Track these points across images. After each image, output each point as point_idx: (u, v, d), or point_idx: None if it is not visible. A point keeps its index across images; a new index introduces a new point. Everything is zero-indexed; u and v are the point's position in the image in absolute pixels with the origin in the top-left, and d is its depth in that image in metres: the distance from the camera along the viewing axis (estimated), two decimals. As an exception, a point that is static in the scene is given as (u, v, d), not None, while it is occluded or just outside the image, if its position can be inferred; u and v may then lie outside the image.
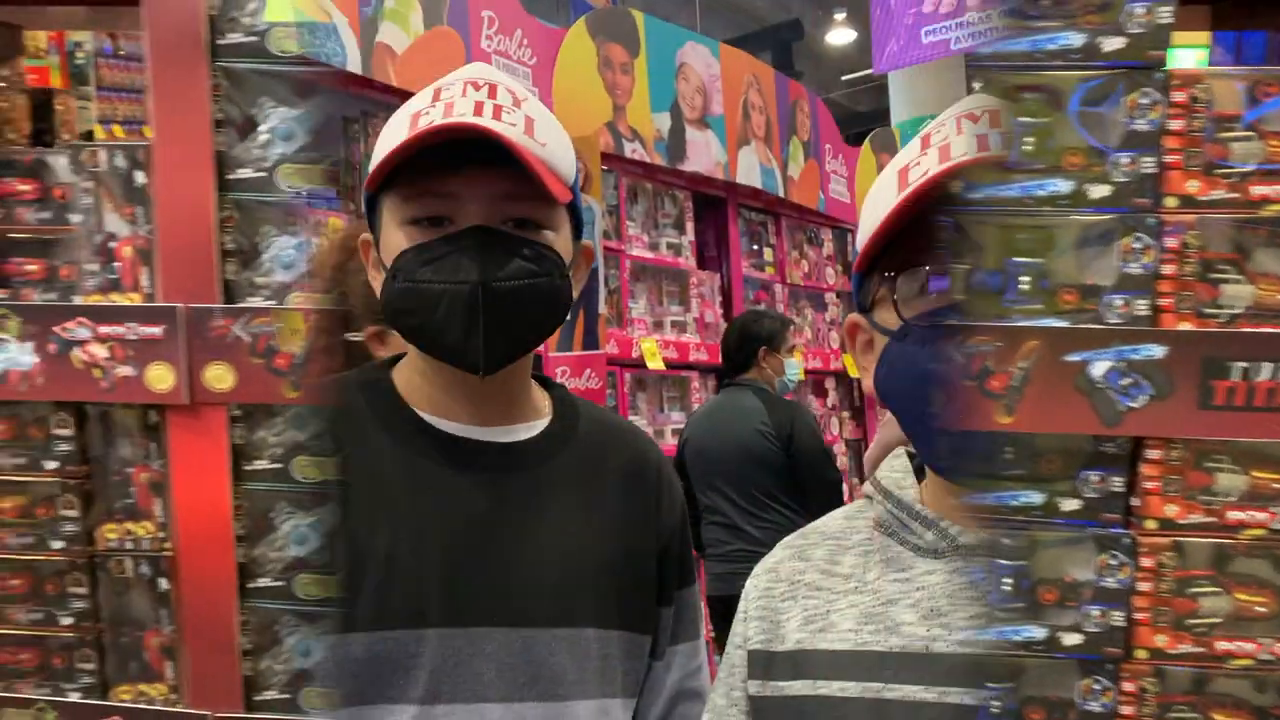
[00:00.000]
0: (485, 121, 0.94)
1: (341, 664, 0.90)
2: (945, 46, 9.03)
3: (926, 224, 0.77)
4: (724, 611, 3.47)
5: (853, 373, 5.21)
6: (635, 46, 3.93)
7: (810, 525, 0.94)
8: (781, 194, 4.67)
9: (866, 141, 5.77)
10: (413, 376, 1.04)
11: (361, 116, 3.03)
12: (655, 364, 3.89)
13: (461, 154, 0.94)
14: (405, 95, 3.06)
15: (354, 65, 2.86)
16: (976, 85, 0.76)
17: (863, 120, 18.16)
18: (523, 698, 0.94)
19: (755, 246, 4.70)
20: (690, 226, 4.26)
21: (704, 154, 4.18)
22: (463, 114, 0.95)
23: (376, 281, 1.02)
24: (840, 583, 0.86)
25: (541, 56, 3.51)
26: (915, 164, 0.80)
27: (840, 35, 16.60)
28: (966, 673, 0.74)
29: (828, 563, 0.88)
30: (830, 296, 5.25)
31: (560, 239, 1.01)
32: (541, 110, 1.02)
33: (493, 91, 0.99)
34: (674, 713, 1.09)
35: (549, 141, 0.99)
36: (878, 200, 0.83)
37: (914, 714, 0.77)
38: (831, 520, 0.93)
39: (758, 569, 0.93)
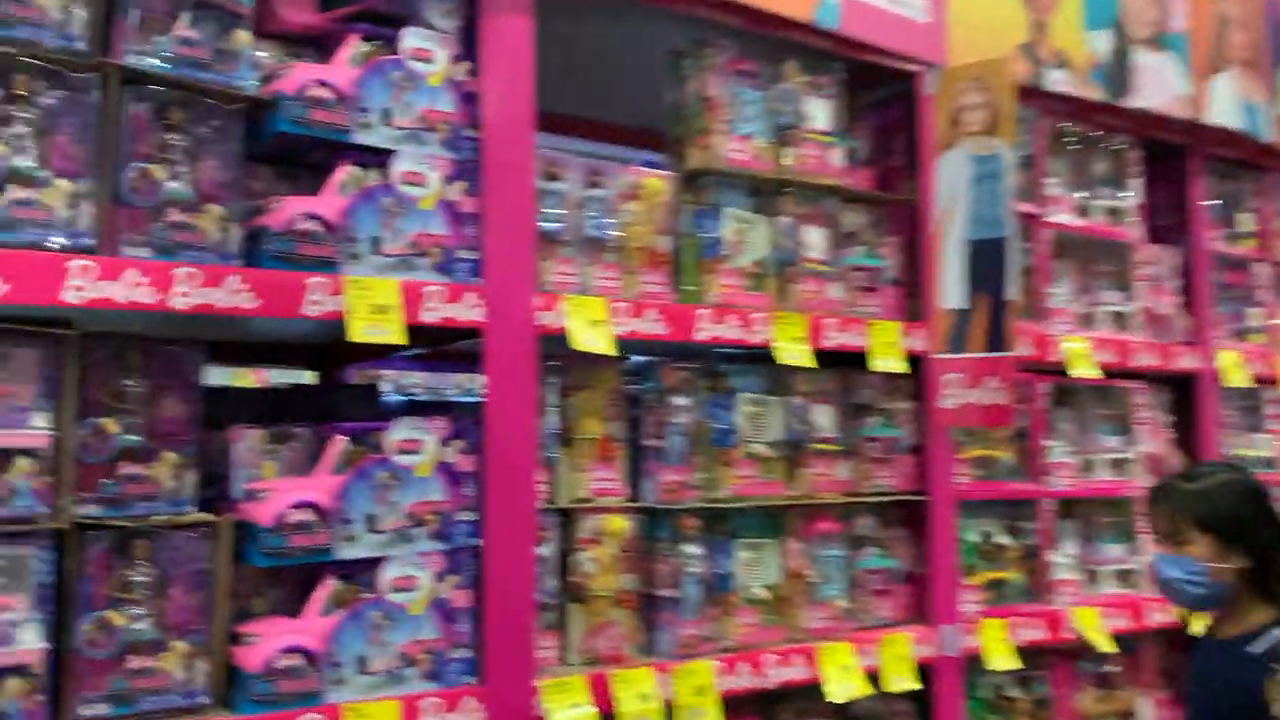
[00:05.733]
0: None
1: None
2: None
3: None
4: None
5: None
6: (1063, -57, 2.92)
7: None
8: (1268, 140, 3.40)
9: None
10: None
11: (693, 47, 2.33)
12: (1084, 370, 2.87)
13: None
14: (749, 13, 2.31)
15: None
16: None
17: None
18: None
19: (1228, 212, 3.48)
20: (1136, 184, 3.17)
21: (1158, 85, 3.07)
22: None
23: None
24: None
25: (934, -41, 2.62)
26: None
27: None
28: None
29: None
30: (1333, 281, 3.84)
31: None
32: None
33: None
34: None
35: None
36: None
37: None
38: None
39: None
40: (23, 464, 1.59)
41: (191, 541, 1.72)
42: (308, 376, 2.83)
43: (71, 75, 1.64)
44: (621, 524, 2.14)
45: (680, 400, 2.23)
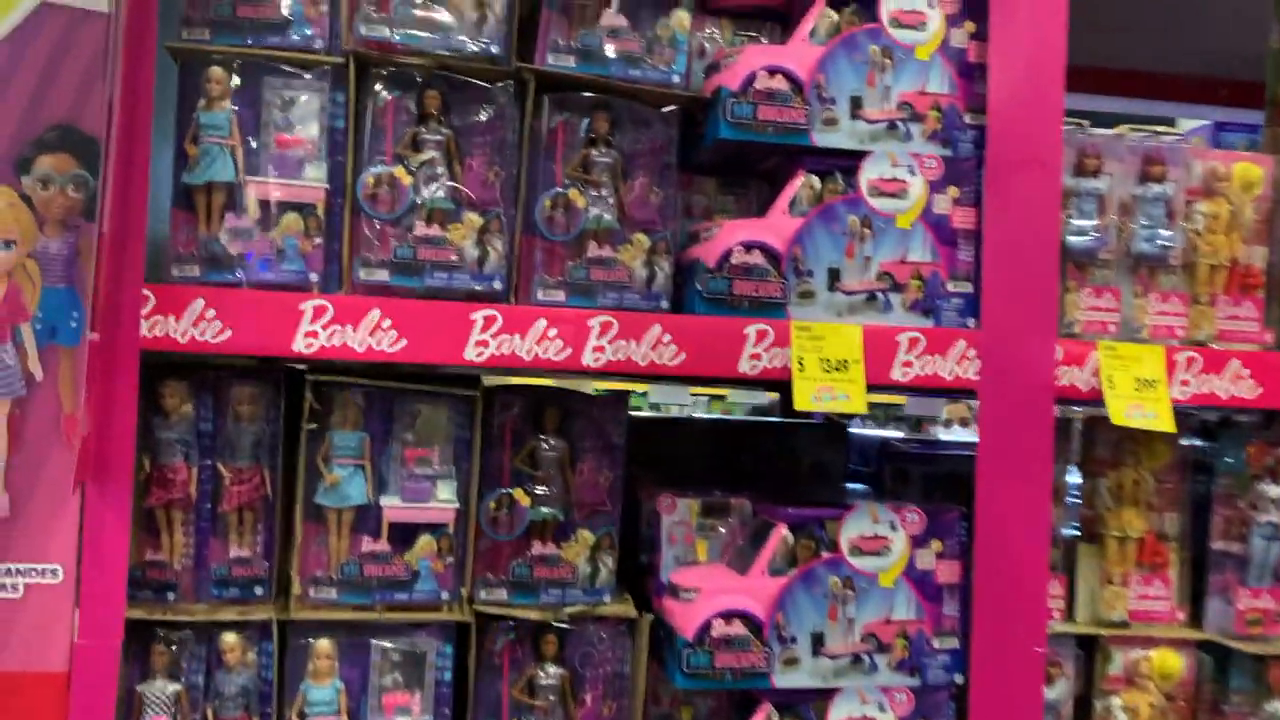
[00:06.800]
0: None
1: None
2: None
3: None
4: None
5: None
6: None
7: None
8: None
9: None
10: None
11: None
12: None
13: None
14: None
15: None
16: None
17: None
18: None
19: None
20: None
21: None
22: None
23: None
24: None
25: None
26: None
27: None
28: None
29: None
30: None
31: None
32: None
33: None
34: None
35: None
36: None
37: None
38: None
39: None
40: (425, 542, 1.39)
41: (607, 639, 1.44)
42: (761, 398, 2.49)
43: (485, 86, 1.39)
44: (1175, 662, 1.52)
45: (1273, 488, 1.53)
